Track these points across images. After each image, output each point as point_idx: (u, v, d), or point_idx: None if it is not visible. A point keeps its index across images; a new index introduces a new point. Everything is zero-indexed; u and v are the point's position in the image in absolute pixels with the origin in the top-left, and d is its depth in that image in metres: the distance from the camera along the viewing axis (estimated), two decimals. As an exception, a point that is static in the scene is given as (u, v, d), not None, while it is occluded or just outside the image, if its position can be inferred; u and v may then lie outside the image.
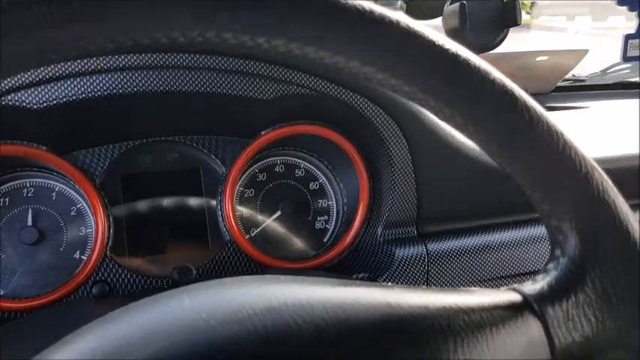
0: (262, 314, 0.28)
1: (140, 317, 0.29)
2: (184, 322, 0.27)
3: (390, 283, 0.33)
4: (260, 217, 0.87)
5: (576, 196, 0.34)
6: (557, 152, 0.34)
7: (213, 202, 0.84)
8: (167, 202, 0.83)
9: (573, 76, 1.56)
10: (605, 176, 0.35)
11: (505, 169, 0.35)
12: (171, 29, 0.29)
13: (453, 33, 0.94)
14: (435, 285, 0.81)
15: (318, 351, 0.27)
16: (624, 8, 1.06)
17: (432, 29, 0.34)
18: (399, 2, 1.06)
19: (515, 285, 0.35)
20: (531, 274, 0.84)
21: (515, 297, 0.34)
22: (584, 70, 1.55)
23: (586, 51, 1.43)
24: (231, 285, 0.31)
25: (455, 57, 0.33)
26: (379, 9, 0.32)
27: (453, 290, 0.33)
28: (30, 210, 0.77)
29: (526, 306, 0.33)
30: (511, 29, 0.96)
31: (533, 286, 0.34)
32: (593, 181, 0.34)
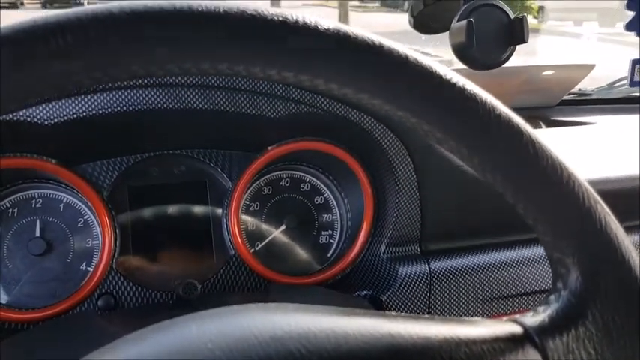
0: (267, 344, 0.28)
1: (147, 345, 0.29)
2: (191, 352, 0.28)
3: (393, 312, 0.34)
4: (265, 231, 0.88)
5: (579, 229, 0.35)
6: (560, 186, 0.34)
7: (219, 215, 0.85)
8: (173, 214, 0.84)
9: (579, 89, 1.56)
10: (608, 210, 0.36)
11: (508, 199, 0.36)
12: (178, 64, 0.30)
13: (459, 49, 0.94)
14: (437, 303, 0.81)
15: None
16: (631, 15, 1.05)
17: (439, 61, 0.34)
18: (407, 16, 1.06)
19: (517, 316, 0.36)
20: (534, 293, 0.85)
21: (516, 329, 0.34)
22: (592, 80, 1.55)
23: (592, 65, 1.43)
24: (238, 313, 0.31)
25: (461, 90, 0.33)
26: (388, 43, 0.32)
27: (455, 320, 0.34)
28: (38, 221, 0.78)
29: (527, 338, 0.34)
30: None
31: (534, 318, 0.35)
32: (596, 215, 0.35)
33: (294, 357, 0.28)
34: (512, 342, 0.33)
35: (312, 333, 0.29)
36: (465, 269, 0.82)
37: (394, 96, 0.33)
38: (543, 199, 0.34)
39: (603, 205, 0.35)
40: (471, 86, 0.34)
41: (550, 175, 0.34)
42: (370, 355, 0.29)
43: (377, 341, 0.30)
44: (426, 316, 0.34)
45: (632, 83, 0.98)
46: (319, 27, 0.31)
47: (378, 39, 0.32)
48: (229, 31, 0.29)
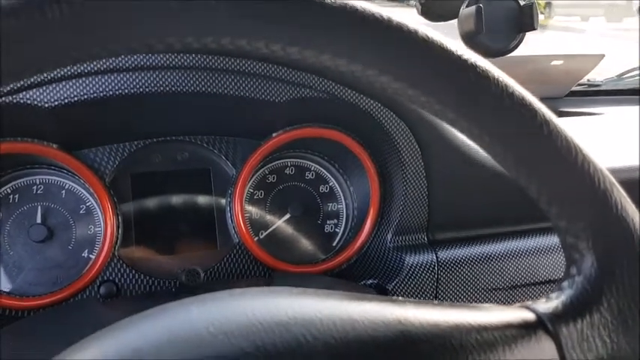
0: (271, 329, 0.27)
1: (148, 328, 0.29)
2: (192, 336, 0.27)
3: (401, 298, 0.33)
4: (269, 219, 0.87)
5: (594, 213, 0.33)
6: (575, 168, 0.33)
7: (223, 203, 0.84)
8: (176, 202, 0.83)
9: (588, 80, 1.55)
10: (624, 193, 0.34)
11: (520, 182, 0.34)
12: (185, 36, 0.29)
13: (468, 36, 0.93)
14: (444, 293, 0.80)
15: None
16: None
17: (450, 39, 0.33)
18: (415, 3, 1.04)
19: (529, 303, 0.34)
20: (542, 284, 0.84)
21: (528, 315, 0.33)
22: (598, 72, 1.54)
23: (602, 56, 1.41)
24: (240, 297, 0.30)
25: (474, 68, 0.32)
26: (398, 18, 0.31)
27: (466, 307, 0.33)
28: (39, 207, 0.78)
29: (540, 325, 0.33)
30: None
31: (548, 305, 0.34)
32: (612, 199, 0.33)
33: (299, 343, 0.27)
34: (525, 329, 0.32)
35: (318, 319, 0.28)
36: (472, 259, 0.81)
37: (403, 73, 0.32)
38: (557, 180, 0.33)
39: (620, 188, 0.34)
40: (484, 63, 0.33)
41: (565, 156, 0.33)
42: (378, 342, 0.28)
43: (385, 328, 0.29)
44: (435, 302, 0.33)
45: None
46: (326, 1, 0.30)
47: (387, 14, 0.31)
48: (233, 7, 0.28)
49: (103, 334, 0.29)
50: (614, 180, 0.34)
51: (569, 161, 0.33)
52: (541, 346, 0.32)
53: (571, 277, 0.35)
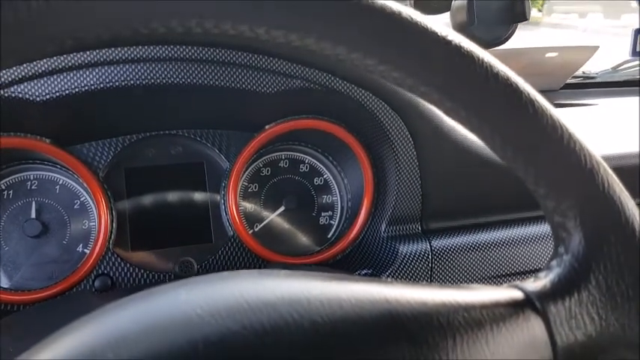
0: (258, 309, 0.27)
1: (136, 311, 0.28)
2: (179, 317, 0.27)
3: (389, 279, 0.33)
4: (264, 212, 0.87)
5: (581, 192, 0.33)
6: (561, 146, 0.33)
7: (217, 197, 0.84)
8: (170, 196, 0.83)
9: (583, 72, 1.55)
10: (611, 172, 0.34)
11: (508, 163, 0.34)
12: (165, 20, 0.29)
13: (460, 28, 0.93)
14: (438, 282, 0.80)
15: (314, 346, 0.27)
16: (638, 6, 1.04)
17: (437, 21, 0.33)
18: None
19: (517, 282, 0.34)
20: (536, 271, 0.84)
21: (516, 294, 0.33)
22: (594, 67, 1.54)
23: (596, 47, 1.41)
24: (228, 279, 0.30)
25: (458, 49, 0.32)
26: (382, 1, 0.31)
27: (453, 287, 0.33)
28: (34, 202, 0.78)
29: (528, 304, 0.32)
30: (521, 26, 0.94)
31: (536, 284, 0.34)
32: (599, 177, 0.33)
33: (286, 323, 0.27)
34: (513, 307, 0.32)
35: (305, 298, 0.28)
36: (466, 247, 0.81)
37: (387, 55, 0.32)
38: (544, 159, 0.33)
39: (606, 166, 0.34)
40: (469, 45, 0.33)
41: (550, 135, 0.33)
42: (365, 320, 0.28)
43: (372, 306, 0.29)
44: (423, 283, 0.33)
45: (635, 53, 0.97)
46: None
47: None
48: None
49: (92, 317, 0.29)
50: (600, 159, 0.34)
51: (555, 140, 0.33)
52: (529, 324, 0.32)
53: (559, 256, 0.35)
